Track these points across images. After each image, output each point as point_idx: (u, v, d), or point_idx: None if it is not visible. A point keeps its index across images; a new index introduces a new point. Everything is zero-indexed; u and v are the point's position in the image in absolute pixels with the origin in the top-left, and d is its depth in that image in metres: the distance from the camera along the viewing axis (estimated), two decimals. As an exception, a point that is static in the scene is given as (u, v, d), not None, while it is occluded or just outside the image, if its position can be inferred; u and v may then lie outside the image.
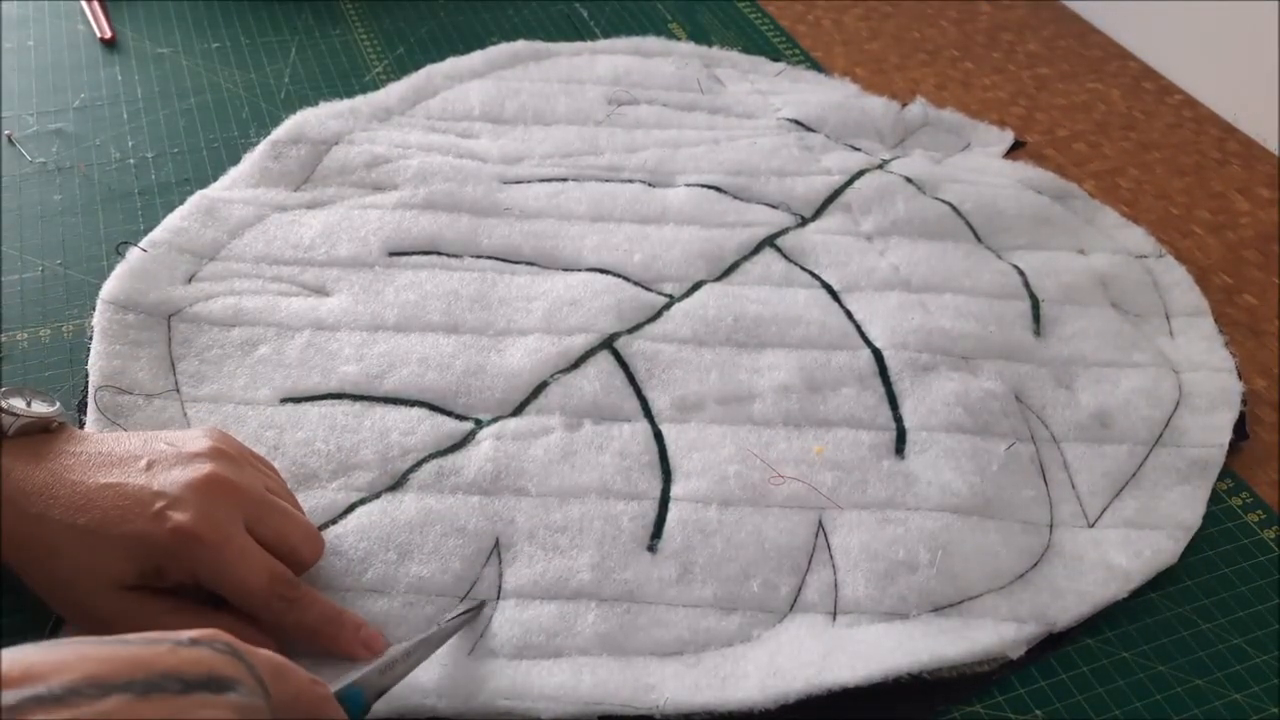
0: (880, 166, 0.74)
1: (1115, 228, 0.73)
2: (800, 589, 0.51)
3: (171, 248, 0.63)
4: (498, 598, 0.50)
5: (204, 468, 0.46)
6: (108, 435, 0.48)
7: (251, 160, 0.71)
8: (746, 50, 0.88)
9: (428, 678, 0.46)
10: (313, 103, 0.75)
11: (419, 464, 0.54)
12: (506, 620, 0.49)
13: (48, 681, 0.29)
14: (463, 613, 0.48)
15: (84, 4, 0.87)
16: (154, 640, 0.32)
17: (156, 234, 0.64)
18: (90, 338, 0.59)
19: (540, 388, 0.58)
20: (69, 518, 0.44)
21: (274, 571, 0.45)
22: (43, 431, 0.47)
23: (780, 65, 0.86)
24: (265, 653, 0.35)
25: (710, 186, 0.71)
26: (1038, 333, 0.64)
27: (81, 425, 0.55)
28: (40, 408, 0.47)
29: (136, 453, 0.46)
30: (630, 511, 0.53)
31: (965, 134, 0.81)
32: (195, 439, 0.48)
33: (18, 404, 0.47)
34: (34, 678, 0.29)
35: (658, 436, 0.56)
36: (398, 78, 0.80)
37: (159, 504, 0.44)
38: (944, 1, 0.98)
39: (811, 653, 0.48)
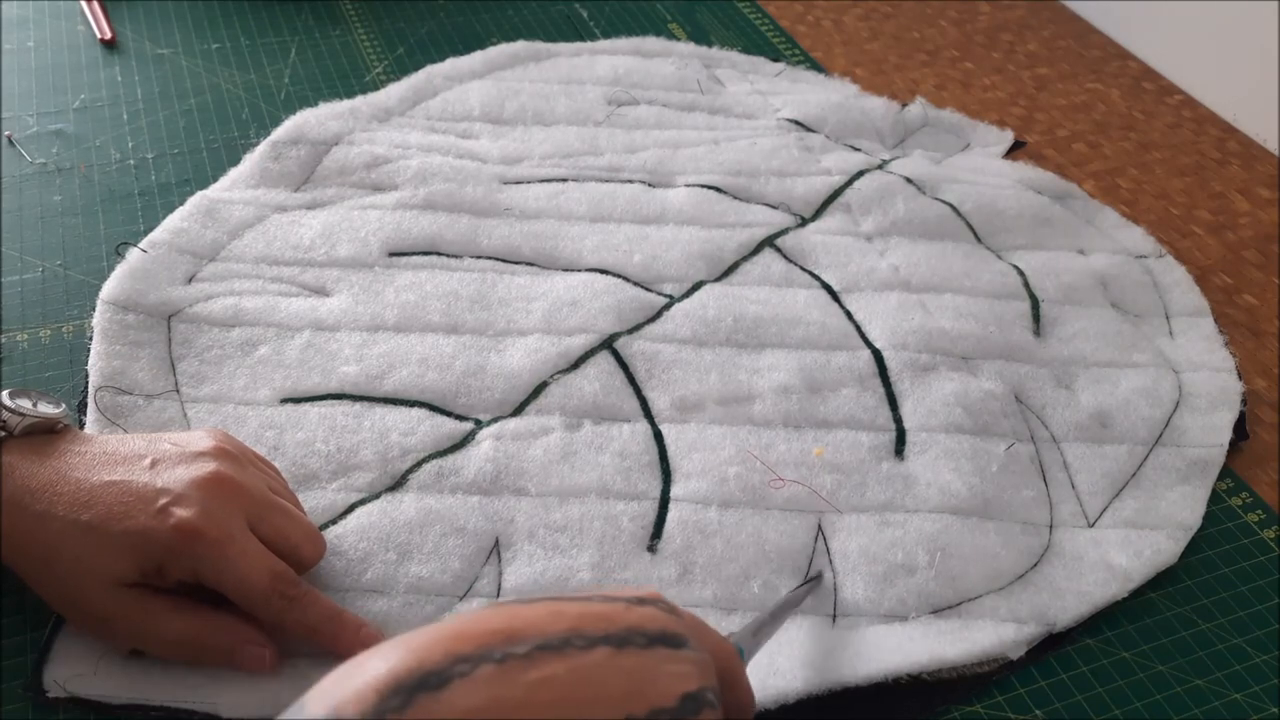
0: (880, 167, 0.74)
1: (1115, 228, 0.73)
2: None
3: (171, 248, 0.63)
4: (497, 595, 0.50)
5: (208, 466, 0.46)
6: (112, 436, 0.48)
7: (251, 161, 0.71)
8: (746, 50, 0.88)
9: None
10: (313, 103, 0.76)
11: (419, 464, 0.54)
12: (506, 620, 0.49)
13: (545, 633, 0.32)
14: (807, 582, 0.50)
15: (84, 5, 0.87)
16: (611, 598, 0.35)
17: (156, 235, 0.64)
18: (90, 338, 0.59)
19: (540, 388, 0.58)
20: (72, 514, 0.44)
21: (275, 570, 0.45)
22: (48, 432, 0.47)
23: (780, 65, 0.86)
24: (687, 612, 0.37)
25: (710, 187, 0.71)
26: (1037, 333, 0.64)
27: (81, 425, 0.55)
28: (46, 409, 0.48)
29: (140, 452, 0.46)
30: (630, 511, 0.53)
31: (965, 134, 0.81)
32: (199, 439, 0.48)
33: (24, 404, 0.47)
34: (533, 628, 0.32)
35: (658, 437, 0.56)
36: (398, 78, 0.80)
37: (162, 500, 0.44)
38: (944, 1, 0.98)
39: (811, 653, 0.48)
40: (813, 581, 0.50)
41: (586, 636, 0.32)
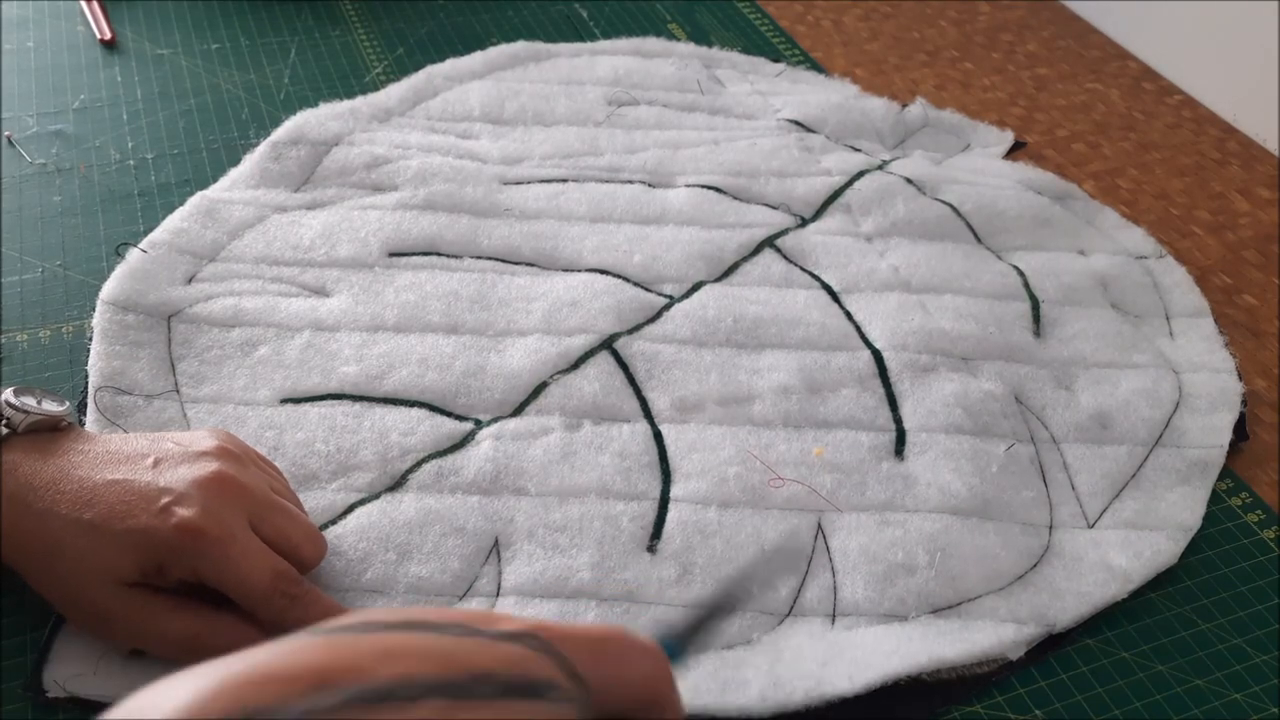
0: (880, 167, 0.74)
1: (1115, 228, 0.73)
2: (800, 591, 0.51)
3: (171, 249, 0.63)
4: (497, 595, 0.50)
5: (210, 466, 0.46)
6: (115, 435, 0.48)
7: (251, 161, 0.71)
8: (746, 50, 0.88)
9: None
10: (313, 103, 0.76)
11: (418, 464, 0.54)
12: (506, 620, 0.49)
13: (365, 678, 0.27)
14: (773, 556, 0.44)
15: (84, 5, 0.87)
16: (474, 630, 0.29)
17: (156, 235, 0.64)
18: (90, 338, 0.59)
19: (540, 388, 0.58)
20: (74, 513, 0.44)
21: (277, 569, 0.45)
22: (51, 430, 0.48)
23: (780, 66, 0.86)
24: (582, 634, 0.31)
25: (710, 187, 0.71)
26: (1038, 334, 0.64)
27: (81, 426, 0.55)
28: (50, 407, 0.48)
29: (143, 451, 0.47)
30: (630, 512, 0.53)
31: (965, 135, 0.81)
32: (202, 439, 0.48)
33: (29, 402, 0.47)
34: (352, 672, 0.27)
35: (657, 437, 0.56)
36: (398, 78, 0.80)
37: (164, 499, 0.44)
38: (944, 1, 0.98)
39: (810, 662, 0.48)
40: (784, 554, 0.44)
41: (415, 684, 0.27)
